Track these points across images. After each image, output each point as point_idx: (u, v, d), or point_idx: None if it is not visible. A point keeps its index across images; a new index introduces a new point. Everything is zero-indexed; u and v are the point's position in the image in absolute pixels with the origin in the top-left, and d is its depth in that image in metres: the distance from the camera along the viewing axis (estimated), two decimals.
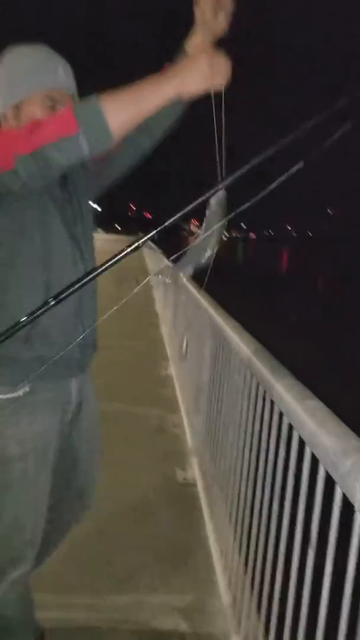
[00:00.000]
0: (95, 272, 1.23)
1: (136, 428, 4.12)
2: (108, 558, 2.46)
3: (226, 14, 1.28)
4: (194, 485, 3.20)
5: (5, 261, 1.39)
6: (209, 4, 1.27)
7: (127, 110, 1.15)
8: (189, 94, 1.18)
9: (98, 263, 1.34)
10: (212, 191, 1.26)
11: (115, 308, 1.45)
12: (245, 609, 1.91)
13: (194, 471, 3.30)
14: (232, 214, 1.32)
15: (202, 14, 1.29)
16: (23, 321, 1.20)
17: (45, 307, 1.19)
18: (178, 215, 1.24)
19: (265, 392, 1.83)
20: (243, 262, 65.01)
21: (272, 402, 1.76)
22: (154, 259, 14.54)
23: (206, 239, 1.33)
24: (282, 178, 1.27)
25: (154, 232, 1.26)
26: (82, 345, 1.48)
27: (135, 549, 2.55)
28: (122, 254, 1.22)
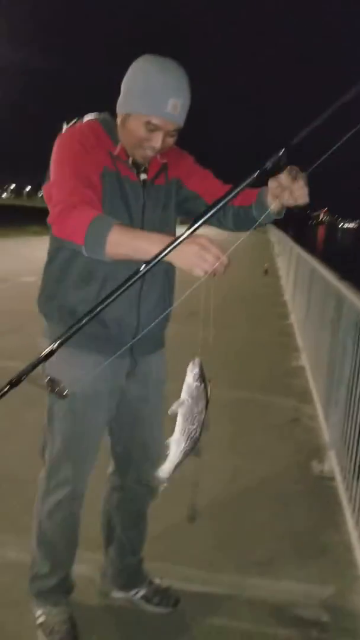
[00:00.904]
0: (136, 277, 1.31)
1: (269, 417, 4.12)
2: (249, 543, 2.50)
3: (301, 188, 1.40)
4: (332, 479, 3.14)
5: (69, 254, 1.64)
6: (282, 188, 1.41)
7: (124, 250, 1.36)
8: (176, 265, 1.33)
9: None
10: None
11: (167, 311, 1.66)
12: None
13: (332, 465, 3.24)
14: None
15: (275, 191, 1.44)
16: (82, 321, 1.33)
17: (91, 315, 1.32)
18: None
19: None
20: None
21: None
22: (282, 248, 14.33)
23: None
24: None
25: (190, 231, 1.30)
26: (135, 332, 1.67)
27: (274, 537, 2.57)
28: (166, 251, 1.29)
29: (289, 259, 10.52)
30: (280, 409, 4.30)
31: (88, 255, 1.41)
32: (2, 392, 1.33)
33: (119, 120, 1.60)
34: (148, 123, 1.53)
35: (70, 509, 1.82)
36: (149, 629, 1.97)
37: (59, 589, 1.91)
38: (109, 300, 1.30)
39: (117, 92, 1.61)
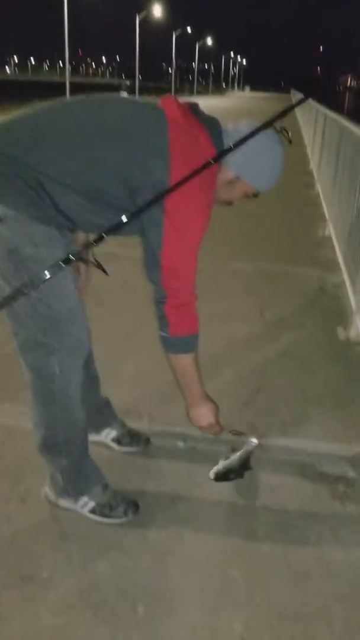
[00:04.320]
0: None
1: (294, 288, 4.02)
2: (273, 406, 2.50)
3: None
4: (358, 344, 3.09)
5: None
6: None
7: (180, 376, 1.75)
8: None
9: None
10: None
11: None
12: None
13: (358, 330, 3.17)
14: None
15: None
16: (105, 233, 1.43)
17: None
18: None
19: None
20: None
21: None
22: (307, 116, 13.40)
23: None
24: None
25: None
26: None
27: (299, 399, 2.57)
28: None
29: (314, 126, 9.85)
30: (306, 279, 4.18)
31: (169, 344, 1.68)
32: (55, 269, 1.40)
33: (226, 175, 1.62)
34: (255, 194, 1.70)
35: (82, 369, 1.74)
36: (171, 482, 2.01)
37: (94, 466, 1.86)
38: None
39: None
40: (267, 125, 1.50)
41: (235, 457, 1.99)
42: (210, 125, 1.58)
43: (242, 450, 2.01)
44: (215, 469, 1.96)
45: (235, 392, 2.58)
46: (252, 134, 1.48)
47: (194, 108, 1.60)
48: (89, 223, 1.59)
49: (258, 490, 2.00)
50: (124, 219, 1.41)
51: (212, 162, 1.46)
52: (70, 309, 1.61)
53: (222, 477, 1.95)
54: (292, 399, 2.56)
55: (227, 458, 1.99)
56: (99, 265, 1.50)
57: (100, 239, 1.42)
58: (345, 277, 3.95)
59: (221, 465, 1.97)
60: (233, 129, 1.59)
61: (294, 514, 1.90)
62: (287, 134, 1.63)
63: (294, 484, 2.04)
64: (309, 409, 2.50)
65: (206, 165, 1.44)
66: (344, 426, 2.38)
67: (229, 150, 1.50)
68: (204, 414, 1.81)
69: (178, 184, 1.41)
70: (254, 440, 2.04)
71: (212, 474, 1.95)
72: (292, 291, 3.95)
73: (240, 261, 4.48)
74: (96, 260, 1.52)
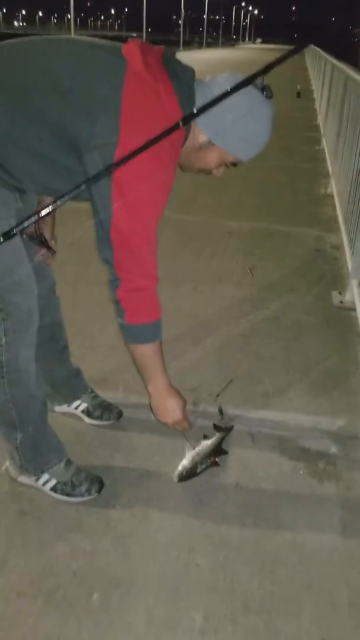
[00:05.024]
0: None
1: (290, 248, 3.82)
2: (256, 375, 2.36)
3: None
4: (352, 309, 2.92)
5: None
6: None
7: (139, 363, 1.57)
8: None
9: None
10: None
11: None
12: None
13: (353, 295, 2.99)
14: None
15: None
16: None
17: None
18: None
19: None
20: None
21: None
22: (316, 68, 12.82)
23: None
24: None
25: None
26: None
27: (285, 368, 2.42)
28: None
29: (323, 77, 9.40)
30: (303, 239, 3.98)
31: (125, 332, 1.51)
32: None
33: (197, 138, 1.40)
34: (234, 163, 1.46)
35: (33, 341, 1.58)
36: (142, 457, 1.90)
37: (54, 442, 1.74)
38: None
39: None
40: (249, 80, 1.25)
41: (205, 445, 1.86)
42: (180, 78, 1.33)
43: (214, 437, 1.89)
44: (179, 469, 1.79)
45: (219, 359, 2.44)
46: (230, 92, 1.23)
47: (167, 56, 1.36)
48: (42, 186, 1.42)
49: (232, 467, 1.87)
50: (70, 188, 1.22)
51: (181, 124, 1.23)
52: (18, 279, 1.45)
53: (188, 475, 1.79)
54: (277, 368, 2.42)
55: (192, 448, 1.83)
56: (41, 241, 1.33)
57: (46, 209, 1.23)
58: (344, 237, 3.74)
59: (186, 461, 1.81)
60: (210, 83, 1.36)
61: (268, 493, 1.78)
62: (270, 92, 1.39)
63: (272, 460, 1.91)
64: (294, 378, 2.35)
65: (168, 132, 1.21)
66: (330, 398, 2.24)
67: (197, 113, 1.25)
68: (170, 409, 1.64)
69: (132, 154, 1.20)
70: (229, 425, 1.94)
71: (175, 477, 1.78)
72: (287, 252, 3.75)
73: (237, 220, 4.27)
74: (41, 235, 1.35)
